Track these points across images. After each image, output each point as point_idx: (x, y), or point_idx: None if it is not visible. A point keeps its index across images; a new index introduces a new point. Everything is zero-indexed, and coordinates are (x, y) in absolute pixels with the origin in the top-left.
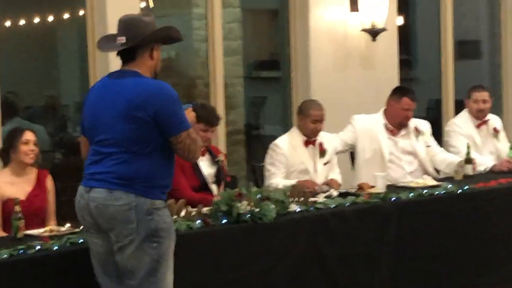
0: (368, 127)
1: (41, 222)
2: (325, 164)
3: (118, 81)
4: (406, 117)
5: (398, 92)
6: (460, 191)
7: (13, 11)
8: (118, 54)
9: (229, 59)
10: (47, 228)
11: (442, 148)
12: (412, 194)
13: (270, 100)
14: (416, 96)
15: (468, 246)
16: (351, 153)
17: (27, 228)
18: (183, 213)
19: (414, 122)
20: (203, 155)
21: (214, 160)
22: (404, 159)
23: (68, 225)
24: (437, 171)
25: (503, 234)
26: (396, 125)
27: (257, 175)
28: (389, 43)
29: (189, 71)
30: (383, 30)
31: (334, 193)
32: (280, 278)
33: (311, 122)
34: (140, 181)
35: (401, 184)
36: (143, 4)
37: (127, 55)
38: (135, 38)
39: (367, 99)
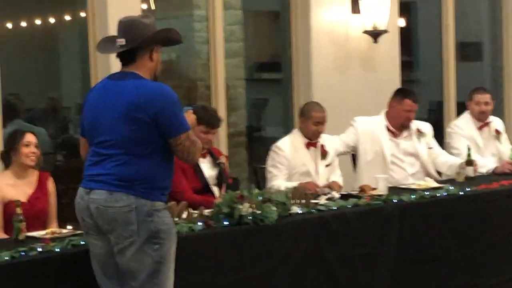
0: (370, 129)
1: (43, 224)
2: (326, 166)
3: (118, 82)
4: (408, 119)
5: (400, 94)
6: (462, 193)
7: (14, 13)
8: (117, 56)
9: (230, 61)
10: (48, 230)
11: (443, 150)
12: (413, 196)
13: (272, 102)
14: (417, 98)
15: (470, 247)
16: (353, 155)
17: (29, 230)
18: (184, 215)
19: (416, 124)
20: (204, 157)
21: (216, 162)
22: (406, 160)
23: (69, 227)
24: (439, 173)
25: (504, 236)
26: (398, 126)
27: (258, 177)
28: (391, 44)
29: (190, 73)
30: (384, 31)
31: (336, 195)
32: (282, 280)
33: (312, 124)
34: (140, 183)
35: (403, 186)
36: (144, 6)
37: (126, 57)
38: (135, 40)
39: (369, 100)
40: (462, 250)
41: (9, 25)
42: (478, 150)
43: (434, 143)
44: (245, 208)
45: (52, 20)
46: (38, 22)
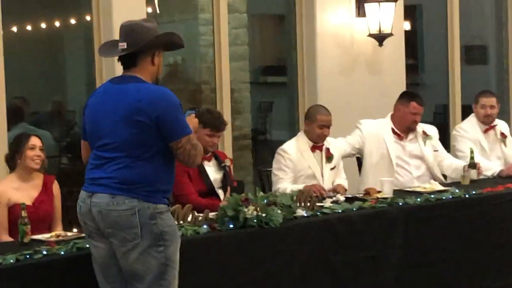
0: (375, 131)
1: (48, 227)
2: (331, 169)
3: (120, 86)
4: (414, 122)
5: (406, 97)
6: (467, 196)
7: (19, 17)
8: (119, 59)
9: (235, 64)
10: (53, 233)
11: (449, 154)
12: (419, 199)
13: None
14: (423, 101)
15: (475, 250)
16: (358, 159)
17: (34, 233)
18: (189, 218)
19: (421, 127)
20: (209, 160)
21: (221, 165)
22: (411, 163)
23: (74, 230)
24: (444, 176)
25: (509, 239)
26: (404, 129)
27: (263, 180)
28: (396, 48)
29: (195, 77)
30: (389, 35)
31: (341, 198)
32: (286, 283)
33: (318, 127)
34: (142, 186)
35: (408, 189)
36: (150, 10)
37: (128, 60)
38: (136, 44)
39: (374, 104)
40: (467, 253)
41: (14, 29)
42: (484, 153)
43: (439, 146)
44: (250, 211)
45: (57, 23)
46: (43, 25)
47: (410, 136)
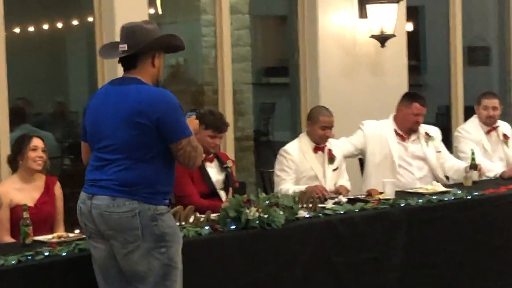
0: (378, 132)
1: (50, 229)
2: (334, 170)
3: (120, 88)
4: (416, 122)
5: (408, 98)
6: (469, 197)
7: (22, 18)
8: (120, 61)
9: (237, 66)
10: (55, 234)
11: (451, 155)
12: (421, 200)
13: (279, 106)
14: (426, 102)
15: (477, 251)
16: (360, 160)
17: (36, 234)
18: (191, 220)
19: (424, 128)
20: (211, 161)
21: (223, 167)
22: (414, 164)
23: (76, 231)
24: (447, 177)
25: (511, 240)
26: (406, 130)
27: (265, 181)
28: (398, 49)
29: (197, 78)
30: (392, 36)
31: (343, 199)
32: (288, 284)
33: (320, 129)
34: (142, 188)
35: (410, 190)
36: (152, 11)
37: (128, 62)
38: (136, 46)
39: (376, 105)
40: (469, 254)
41: (17, 30)
42: (486, 155)
43: (442, 147)
44: (252, 212)
45: (59, 25)
46: (45, 27)
47: (413, 137)
